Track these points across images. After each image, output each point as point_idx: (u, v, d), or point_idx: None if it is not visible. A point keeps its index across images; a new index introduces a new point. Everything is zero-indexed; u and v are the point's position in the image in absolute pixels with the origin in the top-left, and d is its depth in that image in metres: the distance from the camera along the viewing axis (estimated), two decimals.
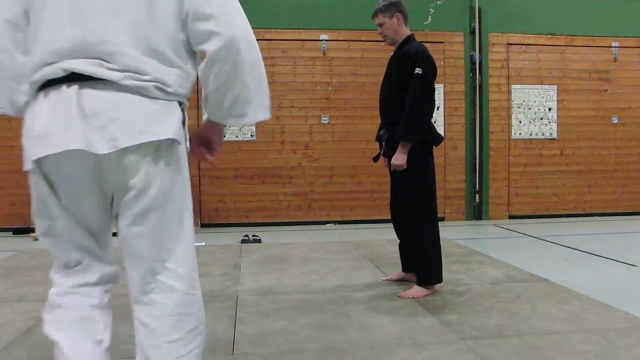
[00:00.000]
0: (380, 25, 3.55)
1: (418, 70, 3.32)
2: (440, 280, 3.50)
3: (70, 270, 1.64)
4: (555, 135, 7.50)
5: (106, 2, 1.40)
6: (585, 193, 7.58)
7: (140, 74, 1.40)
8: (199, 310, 1.65)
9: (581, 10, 7.43)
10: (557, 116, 7.50)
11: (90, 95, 1.38)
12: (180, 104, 1.51)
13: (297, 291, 3.65)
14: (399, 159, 3.36)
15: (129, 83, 1.39)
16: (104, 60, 1.39)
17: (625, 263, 4.48)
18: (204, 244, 5.30)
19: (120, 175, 1.44)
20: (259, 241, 5.67)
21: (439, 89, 7.15)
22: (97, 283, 1.62)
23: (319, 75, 7.08)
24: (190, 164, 1.59)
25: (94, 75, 1.38)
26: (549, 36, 7.40)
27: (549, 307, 3.17)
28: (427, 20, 7.18)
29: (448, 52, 7.26)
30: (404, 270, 3.79)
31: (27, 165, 1.45)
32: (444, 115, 7.26)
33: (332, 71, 7.09)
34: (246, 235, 5.84)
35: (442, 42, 7.22)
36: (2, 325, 2.93)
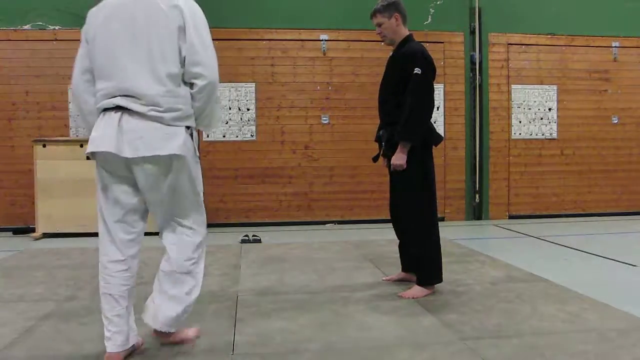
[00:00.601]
0: (379, 25, 3.55)
1: (417, 70, 3.31)
2: (440, 280, 3.50)
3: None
4: (555, 135, 7.50)
5: (134, 61, 2.27)
6: (585, 193, 7.58)
7: (159, 107, 2.26)
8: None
9: (581, 10, 7.42)
10: (557, 116, 7.49)
11: (127, 119, 2.26)
12: (188, 127, 2.35)
13: (297, 291, 3.65)
14: (399, 158, 3.36)
15: (152, 114, 2.26)
16: (137, 98, 2.26)
17: (625, 263, 4.48)
18: None
19: (141, 173, 2.31)
20: (259, 241, 5.67)
21: (439, 89, 7.15)
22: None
23: (319, 75, 7.07)
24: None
25: (130, 108, 2.25)
26: (549, 36, 7.40)
27: (549, 307, 3.17)
28: (427, 20, 7.18)
29: (448, 52, 7.26)
30: (403, 270, 3.79)
31: (85, 154, 2.45)
32: (444, 115, 7.26)
33: (332, 71, 7.09)
34: (246, 235, 5.84)
35: (442, 42, 7.22)
36: (2, 325, 2.93)
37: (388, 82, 3.58)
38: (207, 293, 3.42)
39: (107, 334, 2.36)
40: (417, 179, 3.41)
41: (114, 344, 2.34)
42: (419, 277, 3.49)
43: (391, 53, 3.65)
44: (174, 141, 2.28)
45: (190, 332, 2.67)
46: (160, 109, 2.25)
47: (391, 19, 3.50)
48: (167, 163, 2.30)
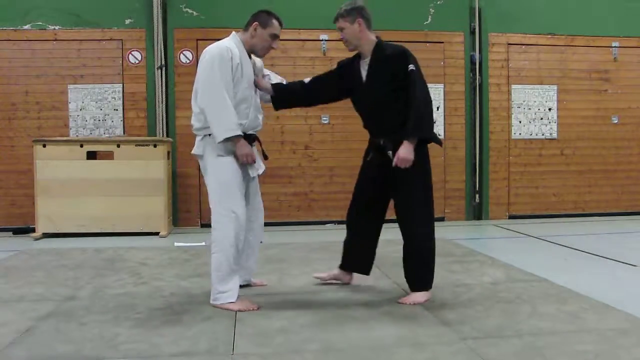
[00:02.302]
0: (341, 30, 3.44)
1: (412, 67, 3.25)
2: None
3: None
4: (555, 135, 7.50)
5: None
6: (585, 193, 7.58)
7: (194, 126, 3.40)
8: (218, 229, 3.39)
9: (581, 10, 7.43)
10: (557, 116, 7.49)
11: None
12: (205, 135, 3.34)
13: (297, 291, 3.66)
14: (408, 152, 3.21)
15: (194, 132, 3.42)
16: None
17: (625, 263, 4.48)
18: (203, 244, 5.28)
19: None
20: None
21: (439, 89, 7.14)
22: None
23: None
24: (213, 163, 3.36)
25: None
26: (549, 36, 7.40)
27: (549, 307, 3.18)
28: (427, 20, 7.17)
29: (448, 52, 7.25)
30: (344, 268, 3.77)
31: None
32: (444, 115, 7.25)
33: None
34: None
35: (442, 42, 7.20)
36: (2, 325, 2.94)
37: (378, 89, 3.41)
38: (206, 293, 3.43)
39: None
40: (419, 178, 3.35)
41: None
42: (418, 283, 3.39)
43: (367, 60, 3.43)
44: (196, 144, 3.42)
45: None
46: (193, 127, 3.41)
47: (354, 24, 3.38)
48: (201, 158, 3.41)
